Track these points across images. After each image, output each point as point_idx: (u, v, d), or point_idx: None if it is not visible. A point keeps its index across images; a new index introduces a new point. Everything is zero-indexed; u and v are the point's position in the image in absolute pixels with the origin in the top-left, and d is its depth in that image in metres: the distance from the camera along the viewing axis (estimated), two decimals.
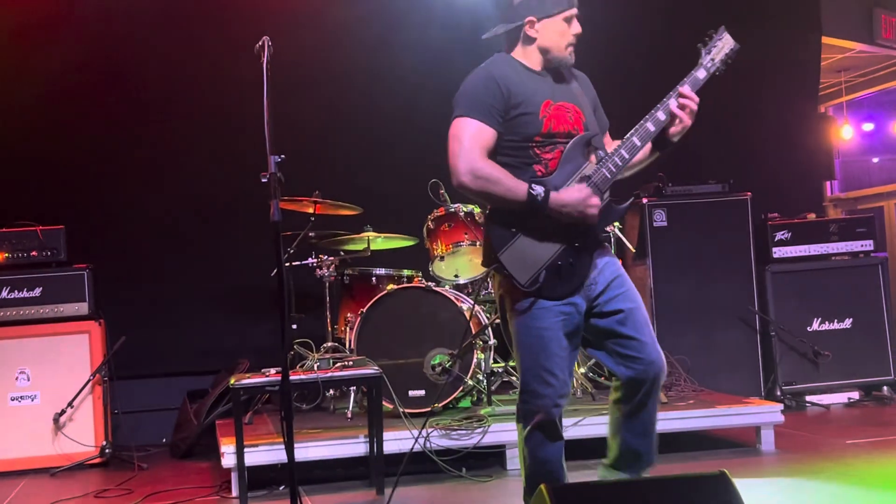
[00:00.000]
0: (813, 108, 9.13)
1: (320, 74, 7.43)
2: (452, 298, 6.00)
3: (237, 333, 7.50)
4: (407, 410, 5.67)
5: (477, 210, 6.50)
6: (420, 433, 5.34)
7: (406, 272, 6.60)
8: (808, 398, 7.64)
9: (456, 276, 6.50)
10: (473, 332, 5.91)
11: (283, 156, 3.53)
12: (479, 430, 5.56)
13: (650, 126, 3.61)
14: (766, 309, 7.58)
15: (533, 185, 3.48)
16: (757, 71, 8.24)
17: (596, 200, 3.52)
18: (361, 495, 5.27)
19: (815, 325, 7.64)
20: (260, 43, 3.72)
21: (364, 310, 6.02)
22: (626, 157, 3.61)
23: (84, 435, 6.49)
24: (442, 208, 6.52)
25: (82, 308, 6.67)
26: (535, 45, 3.66)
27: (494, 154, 3.58)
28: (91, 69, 7.36)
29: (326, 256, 6.62)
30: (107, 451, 6.45)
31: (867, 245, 7.86)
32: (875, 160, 12.01)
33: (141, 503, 5.34)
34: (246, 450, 5.11)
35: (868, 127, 11.35)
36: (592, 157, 3.62)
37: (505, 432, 5.62)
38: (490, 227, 3.62)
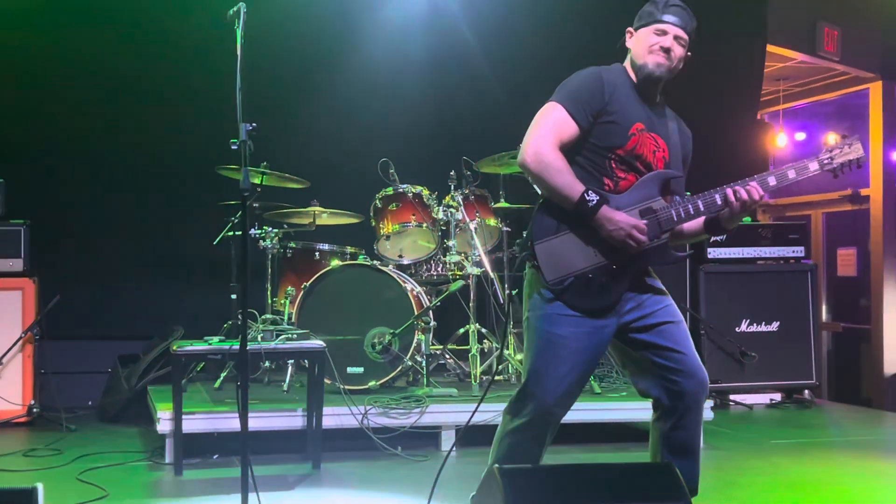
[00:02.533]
0: (753, 114, 9.31)
1: (276, 49, 7.36)
2: (397, 278, 6.02)
3: (171, 301, 7.42)
4: (344, 386, 5.68)
5: (426, 192, 6.53)
6: (363, 411, 5.36)
7: (350, 249, 6.60)
8: (731, 397, 7.82)
9: (400, 256, 6.52)
10: (416, 312, 5.94)
11: (254, 124, 3.50)
12: (417, 410, 5.60)
13: (730, 194, 3.53)
14: (698, 307, 7.73)
15: (590, 191, 3.41)
16: (701, 75, 8.34)
17: (643, 237, 3.42)
18: (298, 468, 5.27)
19: (744, 327, 7.81)
20: (235, 9, 3.68)
21: (308, 283, 6.02)
22: (701, 209, 3.54)
23: (11, 393, 6.41)
24: (391, 188, 6.53)
25: (17, 264, 6.56)
26: (630, 55, 3.64)
27: (572, 152, 3.51)
28: (34, 28, 7.19)
29: (270, 228, 6.59)
30: (34, 410, 6.36)
31: (798, 251, 8.06)
32: None
33: (71, 464, 5.27)
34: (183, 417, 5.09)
35: (800, 136, 11.57)
36: (666, 197, 3.55)
37: (441, 413, 5.68)
38: (537, 215, 3.53)
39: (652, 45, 3.58)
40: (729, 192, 3.52)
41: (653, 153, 3.56)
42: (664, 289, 3.66)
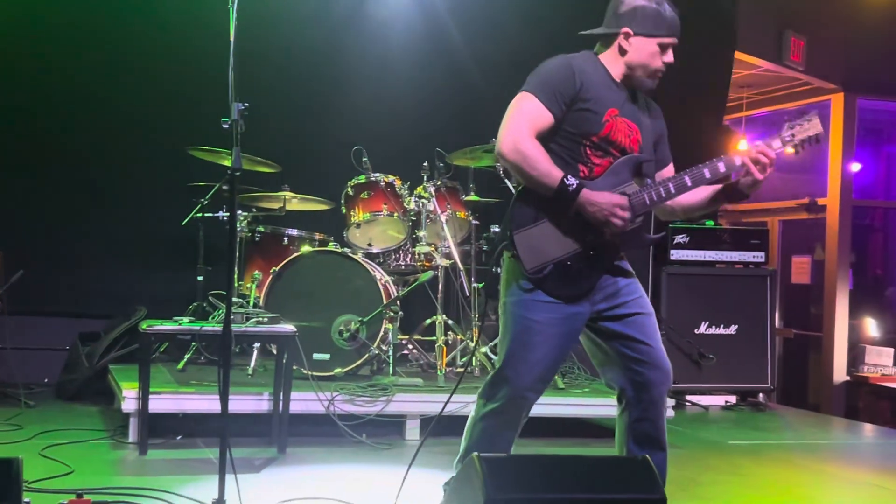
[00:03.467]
0: (718, 119, 9.42)
1: (256, 34, 7.27)
2: (367, 266, 6.03)
3: (134, 281, 7.36)
4: (312, 372, 5.67)
5: (398, 182, 6.54)
6: (330, 397, 5.38)
7: (319, 235, 6.59)
8: (688, 398, 7.92)
9: (369, 244, 6.53)
10: (385, 301, 5.95)
11: (246, 104, 3.48)
12: (383, 398, 5.61)
13: (706, 172, 3.58)
14: (659, 308, 7.81)
15: (569, 176, 3.44)
16: (670, 79, 8.42)
17: (627, 213, 3.47)
18: (263, 452, 5.26)
19: (703, 329, 7.91)
20: None
21: (277, 268, 6.00)
22: (672, 191, 3.59)
23: None
24: (363, 176, 6.53)
25: None
26: (624, 58, 3.63)
27: (547, 140, 3.54)
28: None
29: (240, 211, 6.56)
30: None
31: (759, 257, 8.18)
32: None
33: (32, 440, 5.22)
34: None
35: (789, 151, 11.76)
36: (638, 180, 3.60)
37: (407, 403, 5.71)
38: (515, 205, 3.56)
39: (658, 65, 3.62)
40: (737, 159, 3.56)
41: (627, 137, 3.61)
42: (632, 271, 3.71)
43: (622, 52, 3.64)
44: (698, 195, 3.72)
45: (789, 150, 3.64)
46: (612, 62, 3.67)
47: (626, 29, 3.62)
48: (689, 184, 3.61)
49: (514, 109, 3.54)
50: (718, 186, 3.70)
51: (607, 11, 3.70)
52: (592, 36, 3.74)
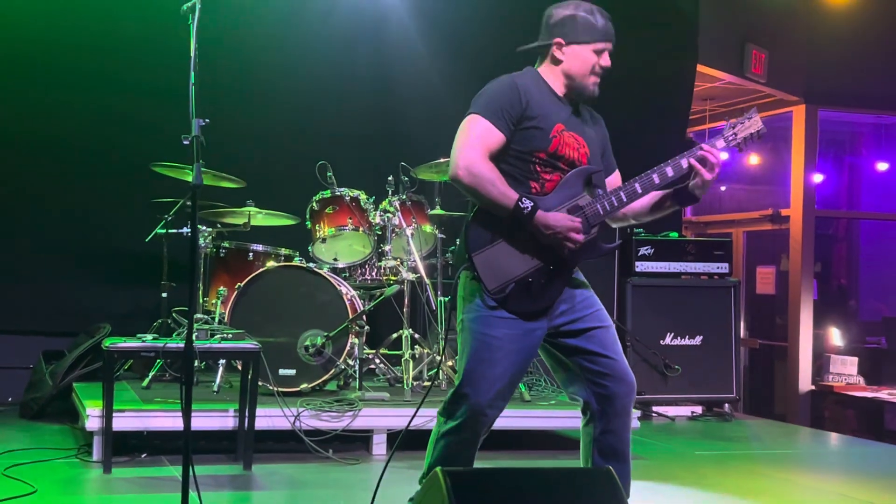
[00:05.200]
0: (682, 132, 9.48)
1: (220, 48, 7.27)
2: (332, 281, 6.02)
3: (97, 298, 7.30)
4: (277, 388, 5.65)
5: (364, 196, 6.54)
6: (296, 413, 5.37)
7: (284, 251, 6.57)
8: (654, 409, 7.95)
9: (335, 259, 6.51)
10: (350, 316, 5.94)
11: (207, 119, 3.48)
12: (350, 413, 5.60)
13: (655, 178, 3.62)
14: (624, 319, 7.85)
15: (523, 198, 3.46)
16: (632, 92, 8.50)
17: (580, 237, 3.51)
18: (228, 469, 5.23)
19: (668, 340, 7.95)
20: (190, 3, 3.66)
21: (242, 284, 5.98)
22: (624, 199, 3.63)
23: None
24: (328, 191, 6.52)
25: None
26: (559, 67, 3.66)
27: (497, 160, 3.55)
28: None
29: (204, 227, 6.53)
30: None
31: (723, 268, 8.24)
32: (723, 188, 12.55)
33: None
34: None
35: (724, 156, 11.83)
36: (590, 191, 3.63)
37: (373, 417, 5.69)
38: (471, 227, 3.58)
39: (594, 67, 3.66)
40: (685, 162, 3.60)
41: (576, 150, 3.64)
42: (586, 281, 3.74)
43: (556, 61, 3.68)
44: (648, 200, 3.75)
45: (733, 146, 3.69)
46: (551, 75, 3.70)
47: (558, 39, 3.66)
48: (640, 190, 3.65)
49: (464, 132, 3.56)
50: (669, 191, 3.73)
51: (542, 24, 3.74)
52: (530, 51, 3.77)
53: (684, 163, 3.62)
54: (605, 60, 3.68)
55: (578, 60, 3.65)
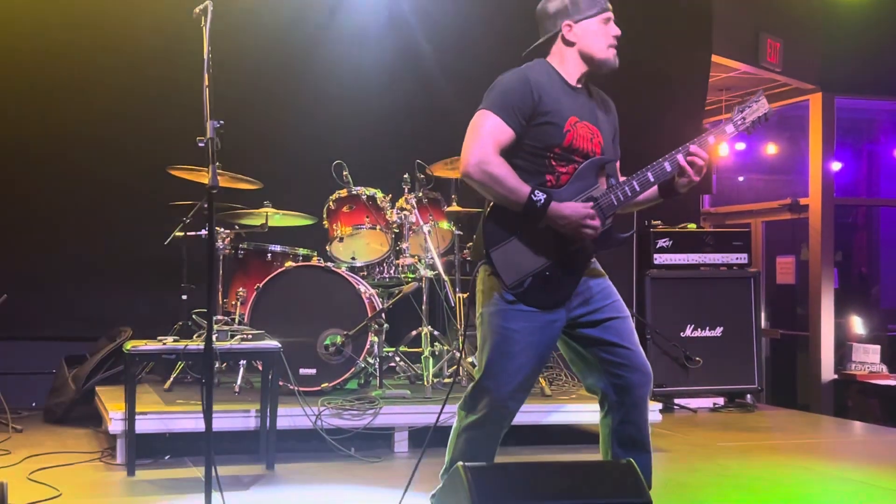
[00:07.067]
0: (698, 123, 9.45)
1: (233, 51, 7.30)
2: (351, 280, 6.04)
3: (118, 302, 7.32)
4: (298, 388, 5.67)
5: (380, 195, 6.55)
6: (317, 412, 5.38)
7: (302, 251, 6.59)
8: (676, 401, 7.93)
9: (353, 258, 6.52)
10: (369, 314, 5.95)
11: (221, 121, 3.49)
12: (371, 411, 5.61)
13: (667, 166, 3.60)
14: (644, 312, 7.84)
15: (536, 191, 3.45)
16: (648, 84, 8.48)
17: (596, 222, 3.51)
18: (251, 469, 5.25)
19: (689, 332, 7.93)
20: (201, 7, 3.67)
21: (261, 284, 6.01)
22: (637, 189, 3.62)
23: None
24: (345, 190, 6.54)
25: None
26: (575, 49, 3.64)
27: (511, 156, 3.54)
28: None
29: (222, 229, 6.56)
30: None
31: (742, 258, 8.21)
32: (741, 179, 12.51)
33: (20, 464, 5.21)
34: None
35: (741, 146, 11.80)
36: (603, 181, 3.62)
37: (395, 415, 5.70)
38: (487, 223, 3.58)
39: (612, 41, 3.66)
40: (681, 158, 3.57)
41: (590, 141, 3.63)
42: (603, 271, 3.74)
43: (570, 44, 3.65)
44: (648, 192, 3.74)
45: (742, 131, 3.67)
46: (565, 63, 3.68)
47: (566, 22, 3.65)
48: (652, 179, 3.64)
49: (474, 128, 3.54)
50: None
51: (539, 22, 3.74)
52: (538, 49, 3.75)
53: (681, 159, 3.59)
54: (614, 29, 3.67)
55: (593, 35, 3.64)
